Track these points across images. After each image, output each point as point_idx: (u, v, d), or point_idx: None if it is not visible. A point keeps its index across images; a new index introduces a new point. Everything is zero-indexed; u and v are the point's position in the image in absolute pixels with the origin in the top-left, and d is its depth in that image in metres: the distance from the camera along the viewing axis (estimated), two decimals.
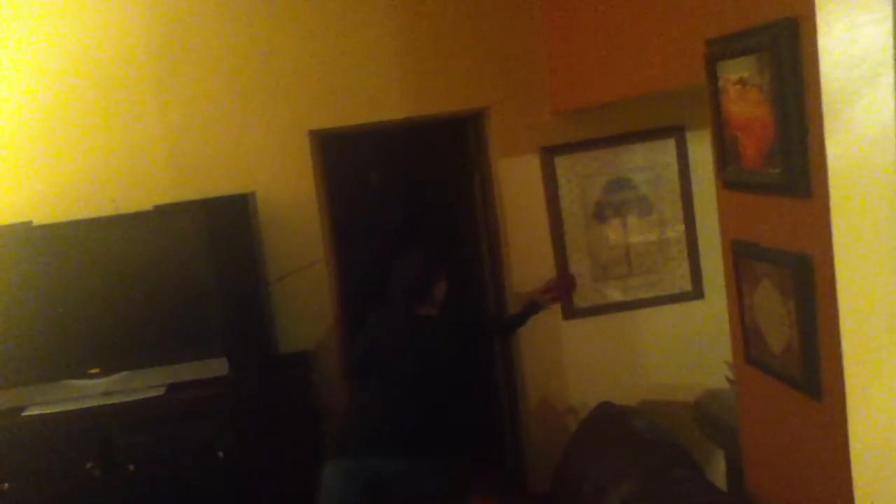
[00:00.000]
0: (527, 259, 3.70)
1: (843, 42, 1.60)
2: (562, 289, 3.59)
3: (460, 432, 3.45)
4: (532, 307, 3.42)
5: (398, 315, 3.23)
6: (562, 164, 3.66)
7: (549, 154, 3.65)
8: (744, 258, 2.03)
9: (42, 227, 3.26)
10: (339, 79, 3.53)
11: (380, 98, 3.55)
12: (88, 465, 3.10)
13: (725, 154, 2.03)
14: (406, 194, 6.14)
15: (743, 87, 1.89)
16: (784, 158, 1.75)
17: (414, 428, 3.07)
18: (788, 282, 1.81)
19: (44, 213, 3.38)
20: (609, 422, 3.06)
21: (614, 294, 3.73)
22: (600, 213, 3.70)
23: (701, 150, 3.62)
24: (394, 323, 3.25)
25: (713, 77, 2.02)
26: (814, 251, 1.70)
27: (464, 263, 4.47)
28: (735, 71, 1.92)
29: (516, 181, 3.67)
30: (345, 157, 4.55)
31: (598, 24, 3.02)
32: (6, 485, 3.08)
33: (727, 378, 3.10)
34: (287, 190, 3.55)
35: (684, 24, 2.24)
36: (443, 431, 3.15)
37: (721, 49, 1.97)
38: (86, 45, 3.41)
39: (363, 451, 3.05)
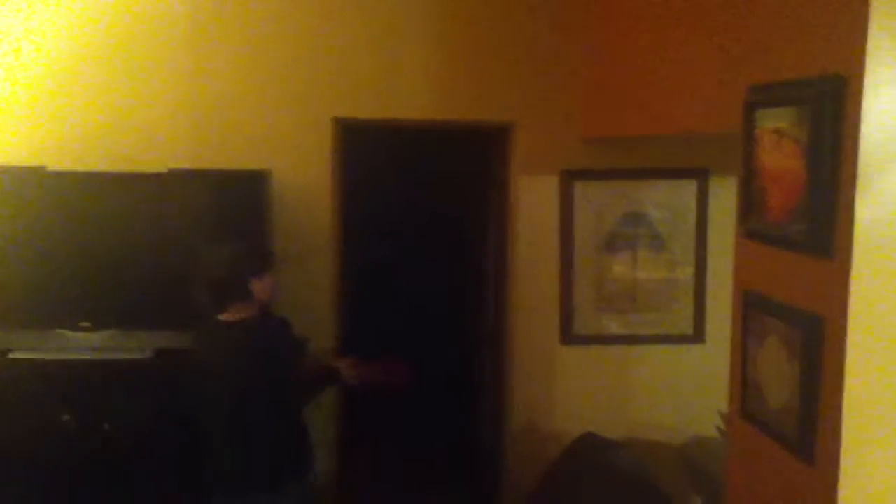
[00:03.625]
0: (532, 280, 3.66)
1: (888, 106, 1.58)
2: (384, 375, 2.93)
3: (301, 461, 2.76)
4: (331, 373, 2.90)
5: (206, 324, 2.70)
6: (580, 189, 3.63)
7: (570, 178, 3.62)
8: (754, 310, 2.00)
9: (55, 173, 3.23)
10: (369, 70, 3.50)
11: (408, 95, 3.53)
12: (65, 418, 3.07)
13: (751, 203, 2.00)
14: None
15: (779, 137, 1.86)
16: (811, 215, 1.72)
17: (239, 469, 2.64)
18: (797, 341, 1.78)
19: (58, 159, 3.35)
20: (591, 454, 3.04)
21: (613, 326, 3.70)
22: (612, 244, 3.67)
23: (722, 196, 3.59)
24: (203, 336, 2.73)
25: (749, 124, 1.99)
26: (828, 313, 1.67)
27: (468, 278, 4.44)
28: (773, 120, 1.89)
29: (532, 200, 3.63)
30: (365, 155, 4.52)
31: (639, 56, 3.00)
32: None
33: (717, 427, 3.07)
34: (304, 174, 3.52)
35: (728, 67, 2.21)
36: (279, 467, 2.64)
37: (762, 96, 1.95)
38: None
39: (216, 493, 2.70)
